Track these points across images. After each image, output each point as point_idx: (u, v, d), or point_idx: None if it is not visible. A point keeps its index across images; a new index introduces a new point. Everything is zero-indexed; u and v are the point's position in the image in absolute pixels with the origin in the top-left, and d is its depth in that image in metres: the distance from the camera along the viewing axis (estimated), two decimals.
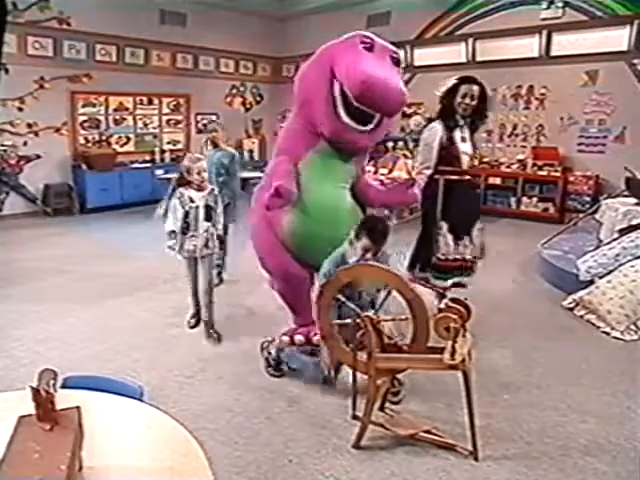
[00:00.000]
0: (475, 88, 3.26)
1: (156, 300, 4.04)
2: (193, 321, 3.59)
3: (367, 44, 2.54)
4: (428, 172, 3.33)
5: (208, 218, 3.33)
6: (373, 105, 2.51)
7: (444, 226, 3.38)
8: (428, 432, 2.32)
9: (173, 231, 3.30)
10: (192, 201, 3.28)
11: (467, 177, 3.43)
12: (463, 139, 3.34)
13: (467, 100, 3.26)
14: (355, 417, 2.42)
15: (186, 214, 3.26)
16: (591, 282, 3.97)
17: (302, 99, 2.77)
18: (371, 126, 2.63)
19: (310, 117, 2.70)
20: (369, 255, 2.46)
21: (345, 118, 2.55)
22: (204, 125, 9.36)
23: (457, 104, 3.27)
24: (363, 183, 2.99)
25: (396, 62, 2.65)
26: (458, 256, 3.40)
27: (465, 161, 3.36)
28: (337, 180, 2.81)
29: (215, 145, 4.69)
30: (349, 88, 2.45)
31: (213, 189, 3.42)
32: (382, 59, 2.55)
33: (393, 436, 2.33)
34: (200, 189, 3.32)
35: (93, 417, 1.39)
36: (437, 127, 3.35)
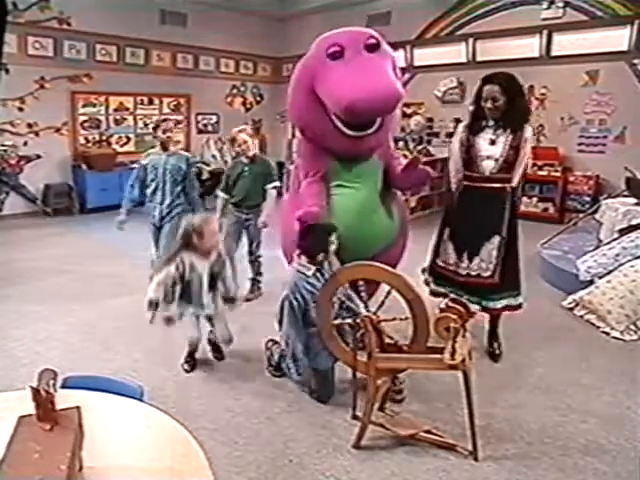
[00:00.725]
0: (496, 89, 2.86)
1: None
2: (188, 365, 3.02)
3: (334, 53, 2.42)
4: (454, 173, 3.12)
5: (211, 285, 2.81)
6: (368, 117, 2.50)
7: (446, 231, 3.19)
8: (428, 432, 2.32)
9: (156, 302, 2.64)
10: (193, 269, 2.72)
11: (482, 185, 2.98)
12: (492, 142, 2.94)
13: (489, 104, 2.89)
14: (355, 417, 2.42)
15: (187, 283, 2.73)
16: (591, 282, 3.97)
17: (301, 125, 2.78)
18: (375, 127, 2.60)
19: (315, 138, 2.71)
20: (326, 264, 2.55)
21: (347, 131, 2.54)
22: (204, 126, 9.37)
23: (483, 108, 2.94)
24: (390, 167, 2.94)
25: (373, 47, 2.45)
26: (461, 270, 3.08)
27: (487, 166, 2.95)
28: (363, 181, 2.79)
29: (165, 148, 3.89)
30: (337, 112, 2.44)
31: (220, 254, 2.83)
32: (356, 60, 2.39)
33: (393, 436, 2.33)
34: (208, 254, 2.76)
35: (93, 417, 1.39)
36: (459, 128, 3.13)
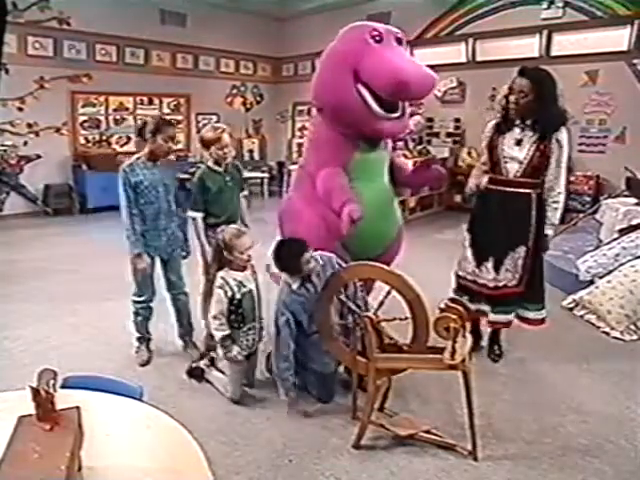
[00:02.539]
0: (524, 82, 2.66)
1: (156, 300, 4.03)
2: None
3: (376, 36, 2.55)
4: (484, 167, 2.98)
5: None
6: (407, 98, 2.58)
7: (467, 237, 3.03)
8: (428, 432, 2.32)
9: (228, 336, 2.56)
10: (243, 285, 2.57)
11: (505, 189, 2.83)
12: (518, 142, 2.75)
13: (513, 97, 2.70)
14: (355, 417, 2.42)
15: (238, 302, 2.55)
16: (591, 282, 3.97)
17: (331, 107, 2.72)
18: (399, 112, 2.64)
19: (344, 121, 2.68)
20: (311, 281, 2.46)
21: (381, 111, 2.55)
22: (204, 126, 9.36)
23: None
24: (396, 166, 2.94)
25: (400, 41, 2.63)
26: (479, 280, 2.95)
27: (511, 169, 2.79)
28: (380, 174, 2.80)
29: (155, 158, 2.83)
30: (383, 89, 2.45)
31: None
32: (395, 47, 2.57)
33: (393, 436, 2.33)
34: (244, 268, 2.62)
35: (93, 417, 1.39)
36: (489, 124, 2.94)
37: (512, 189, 2.82)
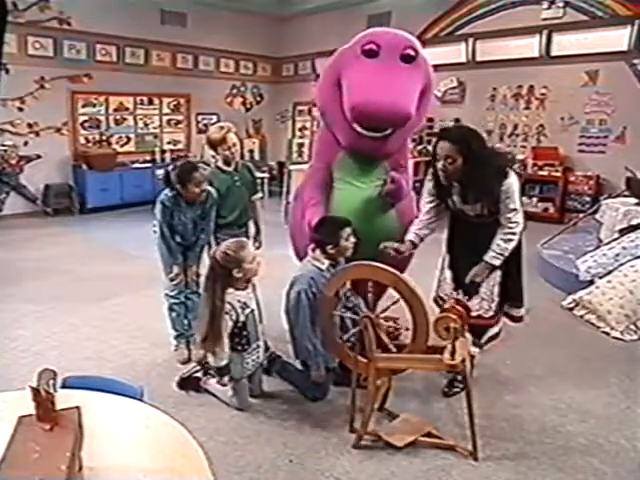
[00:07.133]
0: (448, 147, 2.37)
1: (156, 300, 4.02)
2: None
3: (369, 51, 2.45)
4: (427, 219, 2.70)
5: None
6: (370, 125, 2.50)
7: (447, 258, 2.79)
8: (428, 434, 2.31)
9: (227, 366, 2.46)
10: (247, 305, 2.44)
11: (467, 220, 2.61)
12: (464, 200, 2.52)
13: (440, 163, 2.42)
14: (352, 431, 2.37)
15: (242, 325, 2.43)
16: (591, 282, 3.97)
17: (321, 109, 2.77)
18: (387, 132, 2.57)
19: (329, 125, 2.72)
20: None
21: (358, 127, 2.53)
22: (204, 126, 9.35)
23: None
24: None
25: (409, 58, 2.46)
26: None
27: (468, 215, 2.57)
28: (368, 180, 2.77)
29: (189, 202, 2.91)
30: (346, 110, 2.45)
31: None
32: (386, 65, 2.43)
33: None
34: (246, 285, 2.47)
35: (93, 417, 1.39)
36: (428, 182, 2.67)
37: (474, 220, 2.58)
